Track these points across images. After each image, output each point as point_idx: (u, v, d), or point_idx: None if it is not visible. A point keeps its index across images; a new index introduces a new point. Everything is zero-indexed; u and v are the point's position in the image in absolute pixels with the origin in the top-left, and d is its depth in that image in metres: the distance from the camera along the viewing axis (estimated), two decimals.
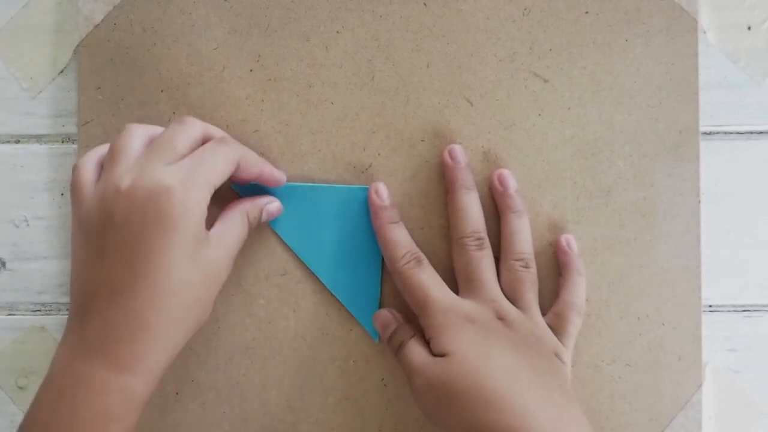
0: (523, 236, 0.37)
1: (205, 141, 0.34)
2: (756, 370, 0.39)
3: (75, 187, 0.33)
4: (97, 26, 0.39)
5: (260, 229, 0.38)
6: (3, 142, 0.40)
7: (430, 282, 0.36)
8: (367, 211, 0.38)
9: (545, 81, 0.39)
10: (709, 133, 0.39)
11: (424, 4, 0.39)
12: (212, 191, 0.33)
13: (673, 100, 0.39)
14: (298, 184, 0.38)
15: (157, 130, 0.34)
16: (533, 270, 0.37)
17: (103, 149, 0.35)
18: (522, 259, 0.37)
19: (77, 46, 0.39)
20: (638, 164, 0.39)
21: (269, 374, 0.39)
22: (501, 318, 0.35)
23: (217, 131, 0.36)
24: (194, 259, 0.32)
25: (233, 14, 0.39)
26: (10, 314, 0.40)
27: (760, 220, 0.39)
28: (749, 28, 0.39)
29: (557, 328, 0.37)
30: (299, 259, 0.39)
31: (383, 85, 0.39)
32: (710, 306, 0.39)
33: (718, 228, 0.39)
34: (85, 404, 0.30)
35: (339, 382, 0.39)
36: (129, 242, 0.31)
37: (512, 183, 0.38)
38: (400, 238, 0.37)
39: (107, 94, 0.39)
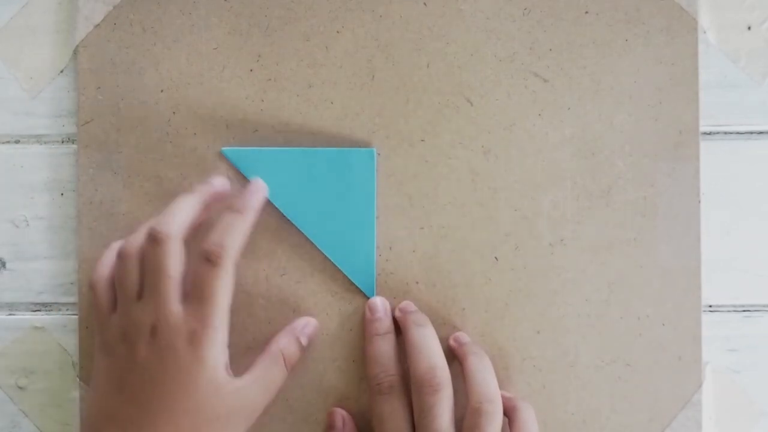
0: (483, 375, 0.35)
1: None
2: (756, 370, 0.39)
3: (96, 309, 0.35)
4: (97, 26, 0.39)
5: (260, 230, 0.38)
6: (3, 142, 0.40)
7: (390, 416, 0.35)
8: (359, 173, 0.38)
9: (545, 81, 0.39)
10: (709, 133, 0.39)
11: (424, 4, 0.39)
12: (228, 319, 0.34)
13: (673, 100, 0.39)
14: (289, 148, 0.38)
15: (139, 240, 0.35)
16: (497, 410, 0.34)
17: (111, 257, 0.36)
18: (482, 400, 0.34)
19: (77, 46, 0.39)
20: (638, 164, 0.39)
21: None
22: None
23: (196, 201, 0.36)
24: (212, 406, 0.33)
25: (233, 14, 0.39)
26: (10, 314, 0.40)
27: (760, 220, 0.39)
28: (749, 28, 0.39)
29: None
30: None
31: (383, 85, 0.39)
32: (710, 306, 0.39)
33: (718, 228, 0.39)
34: None
35: (339, 382, 0.39)
36: (147, 384, 0.32)
37: (464, 338, 0.38)
38: (380, 355, 0.36)
39: (107, 94, 0.39)
